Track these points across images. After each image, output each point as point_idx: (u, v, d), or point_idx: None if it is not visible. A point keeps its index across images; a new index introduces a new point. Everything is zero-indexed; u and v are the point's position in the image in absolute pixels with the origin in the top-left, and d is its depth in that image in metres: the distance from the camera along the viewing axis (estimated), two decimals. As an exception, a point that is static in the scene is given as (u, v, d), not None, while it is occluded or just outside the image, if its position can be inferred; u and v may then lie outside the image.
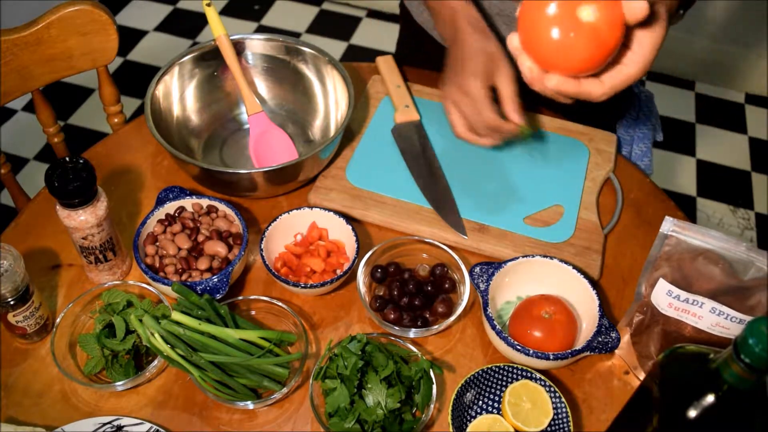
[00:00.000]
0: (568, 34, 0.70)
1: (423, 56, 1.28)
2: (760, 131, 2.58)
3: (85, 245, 0.92)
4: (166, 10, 2.89)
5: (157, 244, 0.97)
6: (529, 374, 0.86)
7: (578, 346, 0.89)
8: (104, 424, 0.84)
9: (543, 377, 0.85)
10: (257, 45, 1.17)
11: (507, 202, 1.06)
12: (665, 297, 0.84)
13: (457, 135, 1.02)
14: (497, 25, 1.14)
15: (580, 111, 1.19)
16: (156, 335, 0.82)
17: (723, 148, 2.52)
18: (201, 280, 0.92)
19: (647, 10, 0.70)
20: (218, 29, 1.12)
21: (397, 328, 0.91)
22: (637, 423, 0.74)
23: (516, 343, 0.86)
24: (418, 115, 1.16)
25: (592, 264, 1.00)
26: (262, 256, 0.95)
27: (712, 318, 0.82)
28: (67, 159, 0.88)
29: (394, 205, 1.06)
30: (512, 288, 0.96)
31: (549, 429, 0.83)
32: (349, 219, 1.00)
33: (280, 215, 0.99)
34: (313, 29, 2.85)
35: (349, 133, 1.15)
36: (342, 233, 0.99)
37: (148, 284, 0.93)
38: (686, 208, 2.32)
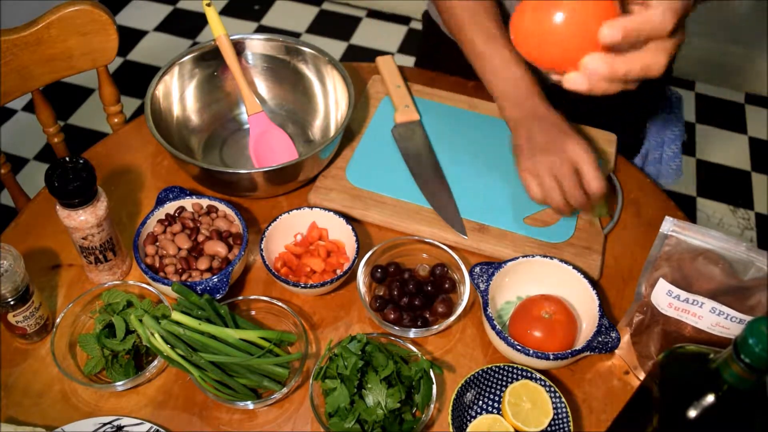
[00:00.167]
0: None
1: (450, 64, 1.26)
2: (760, 131, 2.58)
3: (85, 245, 0.92)
4: (166, 10, 2.89)
5: (157, 244, 0.97)
6: (529, 374, 0.86)
7: (578, 346, 0.89)
8: (104, 424, 0.84)
9: (543, 377, 0.85)
10: (257, 45, 1.17)
11: (507, 202, 1.06)
12: (665, 297, 0.84)
13: (536, 201, 0.99)
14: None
15: (611, 108, 1.19)
16: (156, 335, 0.82)
17: (723, 148, 2.52)
18: (201, 280, 0.92)
19: None
20: (218, 29, 1.12)
21: (397, 328, 0.91)
22: (637, 423, 0.74)
23: (516, 343, 0.86)
24: (418, 115, 1.16)
25: (592, 264, 1.00)
26: (262, 256, 0.95)
27: (712, 318, 0.82)
28: (67, 159, 0.88)
29: (394, 205, 1.06)
30: (512, 288, 0.96)
31: (549, 429, 0.83)
32: (349, 219, 1.00)
33: (280, 215, 0.99)
34: (313, 29, 2.85)
35: (349, 133, 1.15)
36: (342, 233, 0.99)
37: (148, 284, 0.93)
38: (686, 208, 2.32)
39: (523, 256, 0.95)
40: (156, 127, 1.03)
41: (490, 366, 0.87)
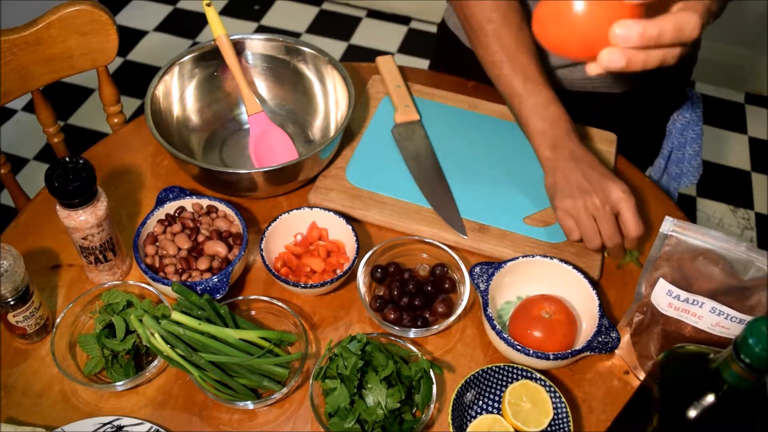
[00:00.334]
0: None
1: (468, 76, 1.27)
2: (760, 131, 2.58)
3: (85, 245, 0.92)
4: (166, 10, 2.89)
5: (157, 244, 0.97)
6: (529, 374, 0.86)
7: (578, 346, 0.89)
8: (104, 424, 0.84)
9: (543, 377, 0.85)
10: (257, 45, 1.17)
11: (507, 202, 1.06)
12: (665, 297, 0.84)
13: (570, 239, 0.98)
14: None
15: (634, 109, 1.19)
16: (156, 335, 0.82)
17: (723, 148, 2.52)
18: (201, 280, 0.92)
19: None
20: (218, 29, 1.12)
21: (397, 328, 0.91)
22: (637, 423, 0.74)
23: (516, 343, 0.86)
24: (418, 115, 1.16)
25: (592, 264, 1.00)
26: (262, 256, 0.95)
27: (712, 318, 0.82)
28: (67, 159, 0.88)
29: (394, 205, 1.06)
30: (512, 288, 0.96)
31: (549, 429, 0.83)
32: (349, 219, 1.00)
33: (280, 215, 0.99)
34: (313, 29, 2.85)
35: (349, 133, 1.15)
36: (342, 233, 0.99)
37: (148, 284, 0.93)
38: (686, 208, 2.33)
39: (523, 256, 0.95)
40: (156, 127, 1.03)
41: (490, 366, 0.87)
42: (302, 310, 0.97)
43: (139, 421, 0.85)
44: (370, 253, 0.96)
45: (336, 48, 2.76)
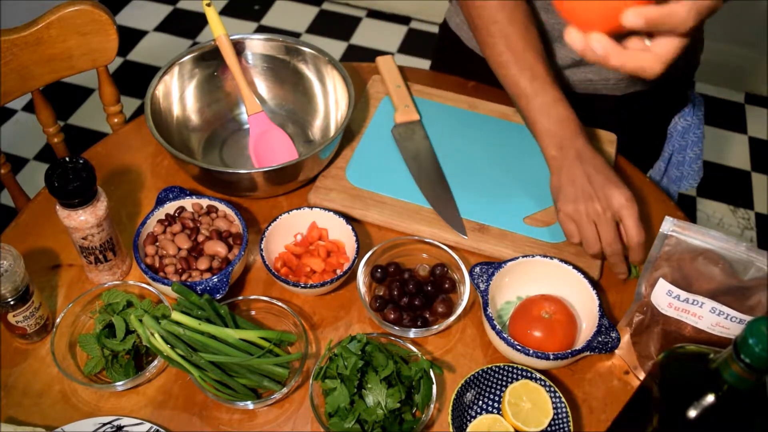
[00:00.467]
0: None
1: (465, 72, 1.27)
2: (760, 131, 2.58)
3: (85, 245, 0.92)
4: (166, 10, 2.89)
5: (157, 244, 0.97)
6: (529, 374, 0.86)
7: (578, 346, 0.89)
8: (104, 424, 0.84)
9: (543, 377, 0.85)
10: (257, 45, 1.17)
11: (507, 202, 1.06)
12: (665, 297, 0.84)
13: (571, 242, 0.98)
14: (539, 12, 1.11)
15: (637, 110, 1.18)
16: (156, 335, 0.82)
17: (723, 148, 2.52)
18: (201, 280, 0.92)
19: None
20: (218, 29, 1.12)
21: (397, 328, 0.91)
22: (637, 423, 0.74)
23: (516, 343, 0.86)
24: (418, 115, 1.16)
25: (592, 264, 1.00)
26: (262, 256, 0.95)
27: (712, 318, 0.82)
28: (67, 159, 0.88)
29: (394, 205, 1.06)
30: (512, 288, 0.96)
31: (549, 429, 0.83)
32: (349, 219, 1.00)
33: (280, 215, 0.99)
34: (313, 29, 2.85)
35: (349, 133, 1.15)
36: (342, 233, 0.99)
37: (148, 284, 0.93)
38: (686, 208, 2.32)
39: (523, 256, 0.95)
40: (156, 127, 1.03)
41: (490, 366, 0.87)
42: (302, 310, 0.97)
43: (139, 421, 0.85)
44: (370, 253, 0.96)
45: (336, 48, 2.76)
